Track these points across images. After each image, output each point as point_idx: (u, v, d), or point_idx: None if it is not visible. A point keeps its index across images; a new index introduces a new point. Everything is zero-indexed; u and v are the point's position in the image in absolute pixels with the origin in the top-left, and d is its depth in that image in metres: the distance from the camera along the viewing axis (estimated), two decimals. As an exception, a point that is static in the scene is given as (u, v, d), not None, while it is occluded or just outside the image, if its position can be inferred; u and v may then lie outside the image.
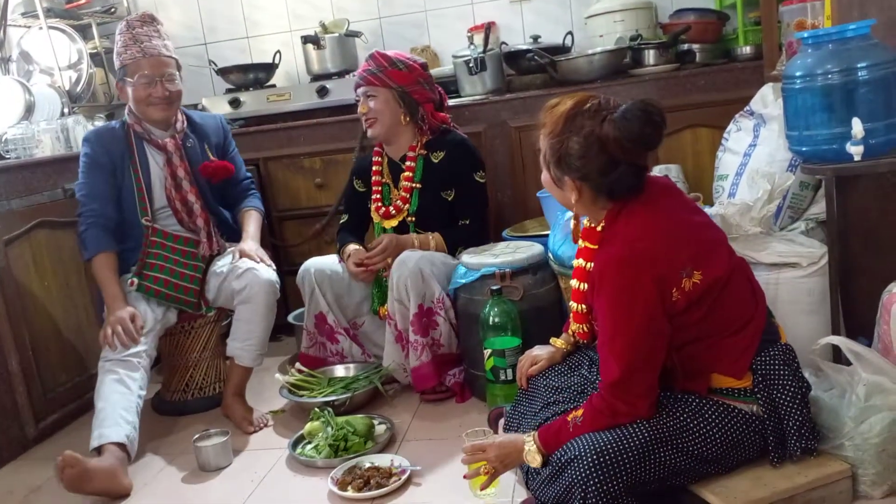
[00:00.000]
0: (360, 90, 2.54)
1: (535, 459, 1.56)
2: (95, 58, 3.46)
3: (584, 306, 1.69)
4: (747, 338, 1.54)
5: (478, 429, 1.83)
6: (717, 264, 1.52)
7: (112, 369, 2.21)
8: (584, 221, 1.69)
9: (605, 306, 1.51)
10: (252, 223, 2.62)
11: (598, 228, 1.61)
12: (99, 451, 2.06)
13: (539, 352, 1.92)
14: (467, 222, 2.56)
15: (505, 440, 1.64)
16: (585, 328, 1.74)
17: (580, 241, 1.70)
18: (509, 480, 1.83)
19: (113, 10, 3.54)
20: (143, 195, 2.46)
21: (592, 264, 1.60)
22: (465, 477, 1.71)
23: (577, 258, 1.70)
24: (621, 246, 1.50)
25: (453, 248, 2.52)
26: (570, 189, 1.56)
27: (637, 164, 1.52)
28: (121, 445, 2.07)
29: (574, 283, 1.71)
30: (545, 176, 1.62)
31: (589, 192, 1.55)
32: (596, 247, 1.61)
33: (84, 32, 3.47)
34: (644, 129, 1.47)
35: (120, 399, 2.16)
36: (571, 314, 1.77)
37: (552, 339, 1.93)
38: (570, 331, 1.82)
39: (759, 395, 1.54)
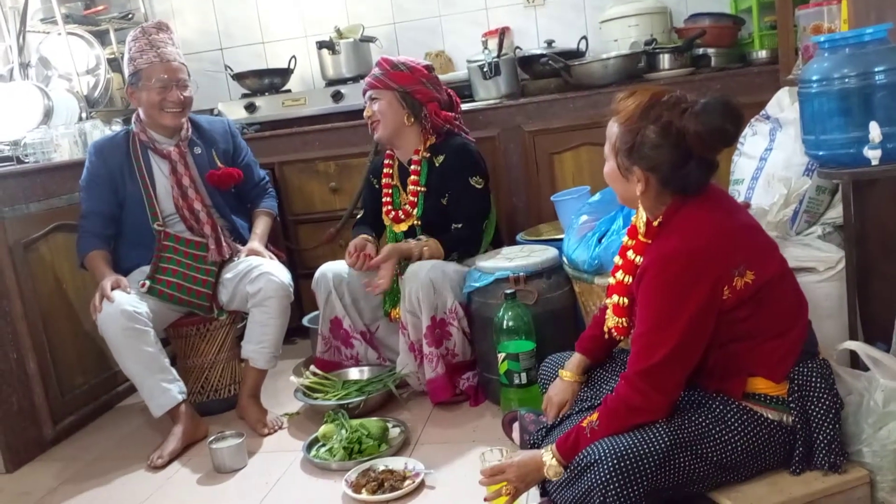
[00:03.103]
0: (366, 94, 2.56)
1: (556, 473, 1.54)
2: (113, 63, 3.49)
3: (625, 299, 1.66)
4: (789, 343, 1.53)
5: (494, 448, 1.80)
6: (769, 265, 1.52)
7: (124, 336, 2.27)
8: (633, 218, 1.67)
9: (656, 296, 1.50)
10: (260, 224, 2.67)
11: (656, 223, 1.59)
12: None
13: (560, 397, 1.82)
14: (459, 226, 2.51)
15: (524, 458, 1.61)
16: (625, 322, 1.69)
17: (627, 240, 1.69)
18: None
19: (130, 16, 3.58)
20: (153, 201, 2.49)
21: (642, 258, 1.59)
22: (485, 500, 1.67)
23: (626, 251, 1.67)
24: (681, 240, 1.50)
25: (447, 255, 2.48)
26: (637, 180, 1.54)
27: (709, 159, 1.51)
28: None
29: (619, 275, 1.68)
30: (610, 165, 1.59)
31: (655, 185, 1.53)
32: (649, 241, 1.60)
33: (102, 38, 3.51)
34: (724, 123, 1.46)
35: (149, 363, 2.31)
36: (611, 307, 1.71)
37: (562, 373, 1.84)
38: (605, 328, 1.76)
39: (793, 406, 1.52)
